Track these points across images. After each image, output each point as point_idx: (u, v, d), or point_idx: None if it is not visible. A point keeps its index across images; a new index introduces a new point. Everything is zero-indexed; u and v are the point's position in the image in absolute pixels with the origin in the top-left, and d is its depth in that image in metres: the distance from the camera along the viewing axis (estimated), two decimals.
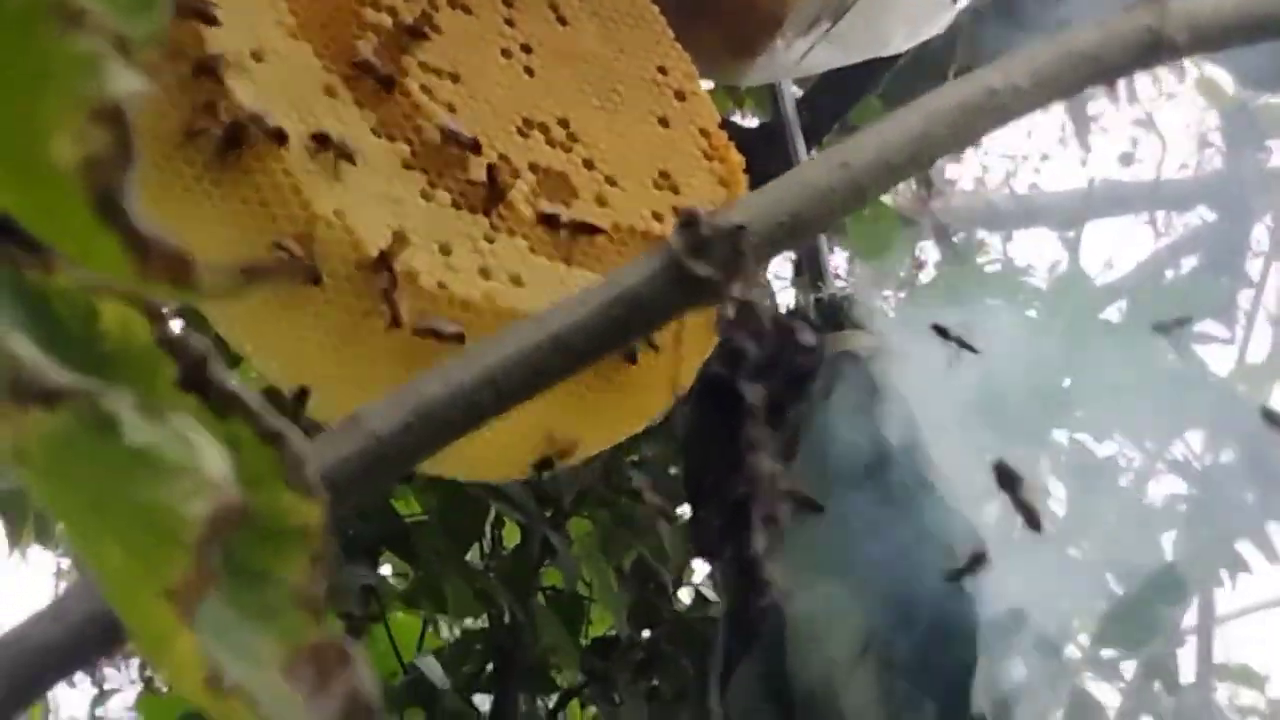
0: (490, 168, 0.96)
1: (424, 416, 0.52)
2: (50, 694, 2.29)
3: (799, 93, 1.43)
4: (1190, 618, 2.47)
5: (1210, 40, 0.67)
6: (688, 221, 0.54)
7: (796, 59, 1.20)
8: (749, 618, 0.91)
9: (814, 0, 1.17)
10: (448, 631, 1.64)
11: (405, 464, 0.53)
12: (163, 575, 0.30)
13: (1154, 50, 0.66)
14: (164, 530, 0.30)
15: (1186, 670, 2.19)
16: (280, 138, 0.88)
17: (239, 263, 0.31)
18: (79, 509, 0.31)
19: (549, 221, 0.97)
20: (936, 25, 1.24)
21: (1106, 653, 1.92)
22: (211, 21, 0.89)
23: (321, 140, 0.89)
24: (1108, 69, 0.65)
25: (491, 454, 0.93)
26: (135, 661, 2.31)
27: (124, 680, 2.45)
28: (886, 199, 1.60)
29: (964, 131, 0.61)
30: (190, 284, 0.30)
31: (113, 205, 0.30)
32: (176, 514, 0.30)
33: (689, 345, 0.85)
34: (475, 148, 0.96)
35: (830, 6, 1.18)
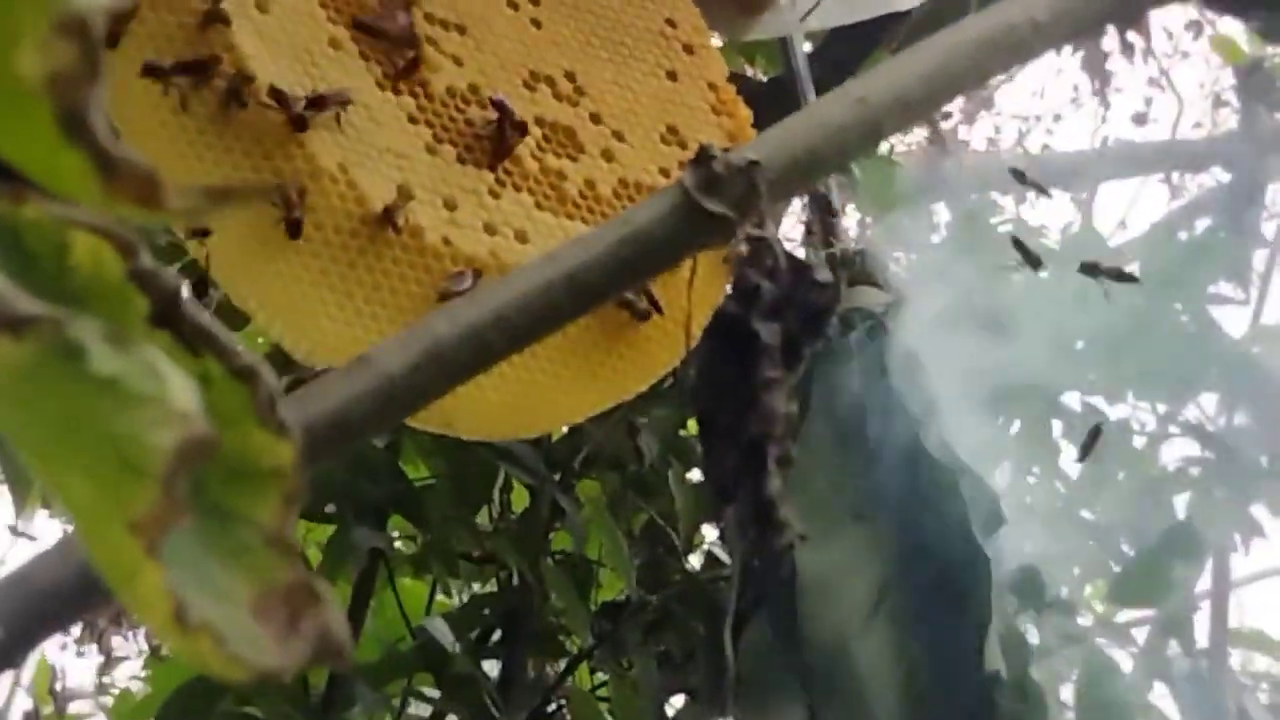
0: (499, 121, 0.94)
1: (434, 356, 0.51)
2: (57, 663, 2.28)
3: (810, 47, 1.41)
4: (1205, 582, 2.46)
5: None
6: (701, 158, 0.53)
7: (802, 15, 1.18)
8: (762, 568, 0.90)
9: None
10: (456, 598, 1.63)
11: (416, 403, 0.52)
12: (129, 507, 0.29)
13: None
14: (130, 461, 0.29)
15: (1201, 635, 2.18)
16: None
17: (205, 186, 0.30)
18: (44, 439, 0.31)
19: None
20: None
21: (1119, 618, 1.91)
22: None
23: (317, 103, 0.88)
24: (1130, 2, 0.64)
25: (500, 410, 0.91)
26: (143, 630, 2.30)
27: (132, 649, 2.45)
28: (899, 158, 1.59)
29: (982, 67, 0.60)
30: (156, 203, 0.29)
31: (78, 121, 0.29)
32: (143, 444, 0.29)
33: (700, 296, 0.84)
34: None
35: None
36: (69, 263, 0.32)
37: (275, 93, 0.87)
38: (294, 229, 0.86)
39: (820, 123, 0.57)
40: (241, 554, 0.32)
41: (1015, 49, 0.60)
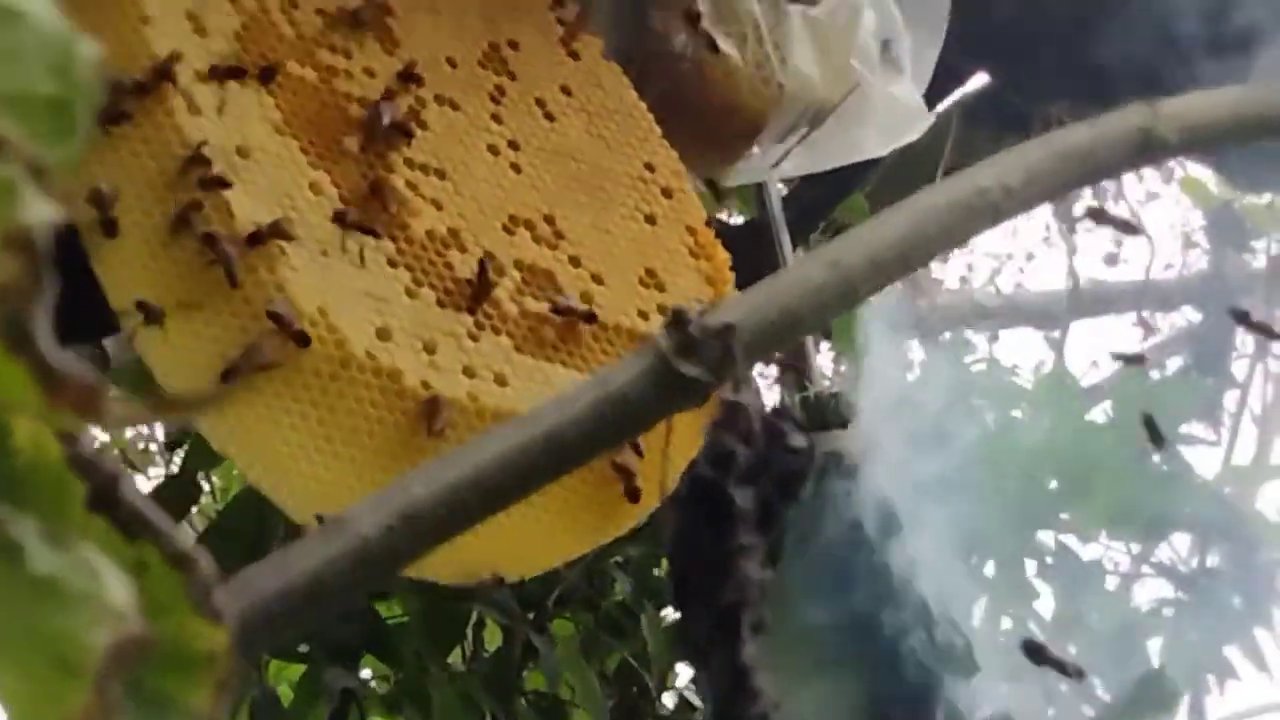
0: (482, 262, 0.95)
1: (410, 518, 0.51)
2: None
3: (784, 190, 1.43)
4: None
5: (1202, 140, 0.67)
6: (676, 320, 0.54)
7: (772, 164, 1.20)
8: None
9: (793, 107, 1.17)
10: None
11: (393, 566, 0.51)
12: (63, 705, 0.30)
13: (1145, 150, 0.66)
14: (65, 659, 0.30)
15: None
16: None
17: (145, 398, 0.31)
18: None
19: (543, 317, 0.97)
20: (913, 132, 1.24)
21: None
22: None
23: (255, 238, 0.89)
24: (1099, 169, 0.65)
25: (478, 556, 0.91)
26: None
27: None
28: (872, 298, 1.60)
29: (955, 231, 0.61)
30: (97, 415, 0.30)
31: (21, 334, 0.30)
32: (78, 643, 0.30)
33: (677, 446, 0.84)
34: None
35: (808, 114, 1.19)
36: (10, 447, 0.32)
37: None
38: (227, 375, 0.85)
39: (796, 285, 0.57)
40: None
41: (986, 213, 0.61)
